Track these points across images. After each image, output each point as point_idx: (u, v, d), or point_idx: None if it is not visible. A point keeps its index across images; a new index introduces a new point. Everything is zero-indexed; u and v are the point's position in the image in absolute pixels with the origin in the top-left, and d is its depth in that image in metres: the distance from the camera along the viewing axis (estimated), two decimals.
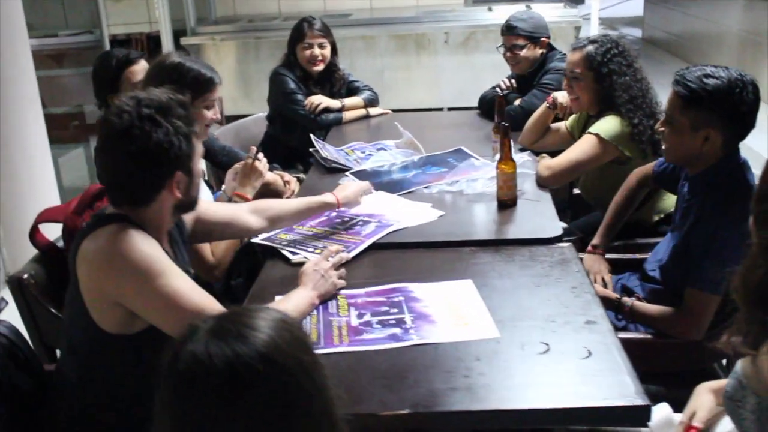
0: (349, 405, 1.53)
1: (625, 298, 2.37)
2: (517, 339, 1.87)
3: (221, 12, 7.79)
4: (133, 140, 1.73)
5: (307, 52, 3.89)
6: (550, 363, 1.77)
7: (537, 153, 3.18)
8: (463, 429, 1.78)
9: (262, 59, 6.86)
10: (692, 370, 2.30)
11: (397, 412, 1.61)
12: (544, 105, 3.27)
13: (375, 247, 2.43)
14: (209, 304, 1.77)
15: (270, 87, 4.01)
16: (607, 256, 2.73)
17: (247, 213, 2.33)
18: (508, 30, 3.70)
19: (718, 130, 2.16)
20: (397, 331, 1.93)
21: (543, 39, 3.68)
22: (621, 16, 11.90)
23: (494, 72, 6.79)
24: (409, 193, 2.89)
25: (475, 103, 4.01)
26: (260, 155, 2.73)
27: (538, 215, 2.64)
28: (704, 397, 1.71)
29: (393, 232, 2.52)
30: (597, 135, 2.84)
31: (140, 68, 3.11)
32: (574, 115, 3.27)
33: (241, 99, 6.78)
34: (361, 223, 2.55)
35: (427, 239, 2.48)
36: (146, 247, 1.74)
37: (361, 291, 2.16)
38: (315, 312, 2.04)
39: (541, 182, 2.88)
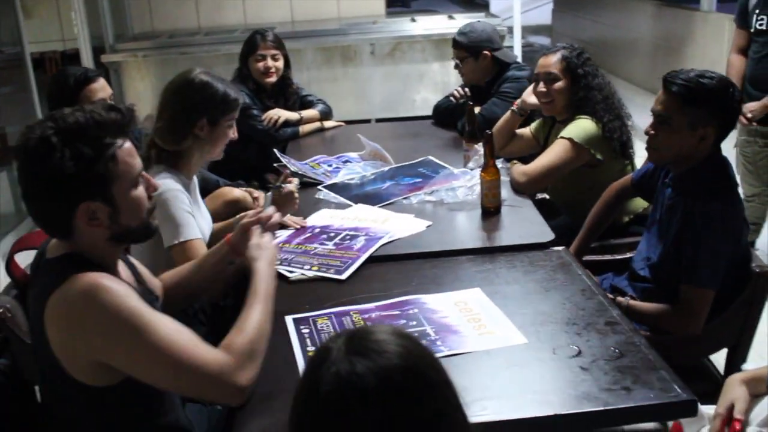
0: None
1: (620, 298, 2.41)
2: (546, 344, 1.88)
3: (138, 28, 7.57)
4: (33, 164, 1.56)
5: (260, 64, 3.83)
6: (586, 365, 1.78)
7: (508, 160, 3.22)
8: None
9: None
10: (686, 365, 2.36)
11: None
12: (510, 111, 3.31)
13: (371, 260, 2.40)
14: (197, 348, 1.60)
15: None
16: (587, 258, 2.79)
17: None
18: (453, 44, 3.76)
19: (713, 127, 2.24)
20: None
21: (485, 51, 3.71)
22: (528, 24, 12.20)
23: (420, 82, 6.93)
24: (389, 204, 2.87)
25: (403, 113, 4.03)
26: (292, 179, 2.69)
27: (525, 221, 2.66)
28: (738, 389, 1.76)
29: (385, 244, 2.49)
30: (570, 139, 2.90)
31: (99, 86, 3.00)
32: (537, 121, 3.33)
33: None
34: (348, 237, 2.51)
35: (421, 249, 2.47)
36: (123, 301, 1.56)
37: (372, 306, 2.13)
38: (332, 330, 2.00)
39: (518, 188, 2.91)
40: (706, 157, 2.31)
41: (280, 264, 2.34)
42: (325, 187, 3.09)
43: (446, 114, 3.91)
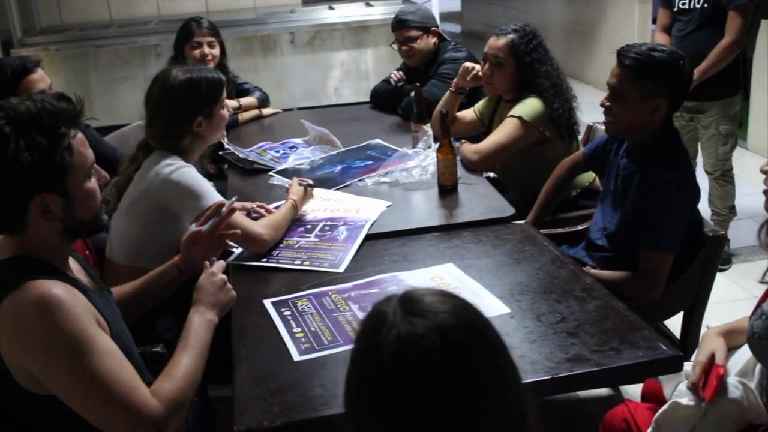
0: None
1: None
2: (529, 312, 1.92)
3: (46, 21, 7.29)
4: None
5: (197, 52, 3.75)
6: (572, 330, 1.83)
7: (457, 139, 3.26)
8: None
9: (102, 69, 6.53)
10: None
11: None
12: (449, 91, 3.34)
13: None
14: (134, 390, 1.53)
15: None
16: (543, 231, 2.85)
17: None
18: (400, 24, 3.76)
19: (665, 99, 2.32)
20: None
21: (433, 28, 3.76)
22: (438, 11, 12.32)
23: (341, 69, 6.93)
24: (344, 187, 2.86)
25: (325, 102, 4.00)
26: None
27: (483, 197, 2.71)
28: (716, 340, 1.83)
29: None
30: (520, 118, 2.95)
31: (39, 77, 2.88)
32: (482, 101, 3.38)
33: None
34: (328, 228, 2.49)
35: (387, 229, 2.48)
36: (74, 322, 1.49)
37: (349, 285, 2.12)
38: (314, 310, 1.99)
39: (470, 166, 2.95)
40: (659, 127, 2.39)
41: (267, 260, 2.30)
42: (277, 173, 3.06)
43: (385, 98, 3.91)
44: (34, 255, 1.58)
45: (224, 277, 1.90)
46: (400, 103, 3.78)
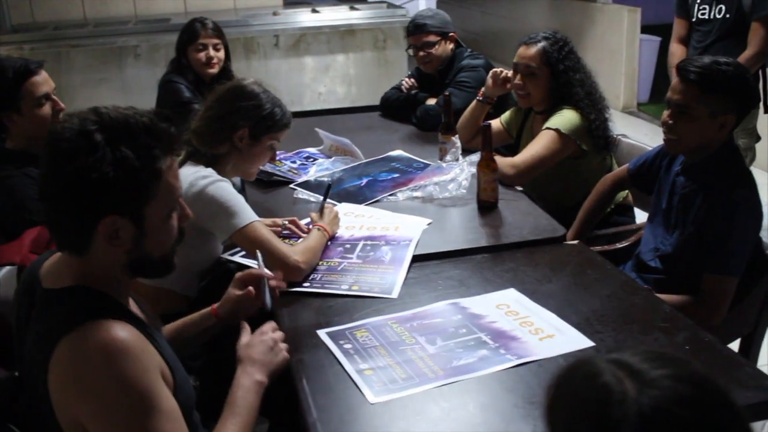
0: None
1: None
2: (613, 343, 1.76)
3: (17, 19, 6.98)
4: (65, 161, 1.32)
5: (201, 54, 3.54)
6: None
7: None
8: None
9: (78, 70, 6.27)
10: None
11: None
12: (476, 101, 3.19)
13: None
14: None
15: (160, 96, 3.60)
16: None
17: None
18: (417, 29, 3.59)
19: (732, 114, 2.19)
20: (485, 353, 1.75)
21: (451, 34, 3.61)
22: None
23: (326, 74, 6.74)
24: (374, 202, 2.69)
25: (309, 106, 3.83)
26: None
27: (528, 215, 2.55)
28: None
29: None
30: (557, 130, 2.81)
31: (42, 79, 2.65)
32: (509, 112, 3.23)
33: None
34: (369, 248, 2.30)
35: (433, 249, 2.31)
36: (141, 375, 1.32)
37: (408, 313, 1.95)
38: (377, 343, 1.81)
39: (506, 181, 2.79)
40: (722, 144, 2.27)
41: (310, 285, 2.11)
42: (298, 185, 2.86)
43: (397, 106, 3.74)
44: (94, 286, 1.40)
45: (276, 335, 1.75)
46: (413, 111, 3.62)
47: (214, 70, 3.59)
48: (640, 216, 3.09)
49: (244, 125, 2.26)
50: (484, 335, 1.82)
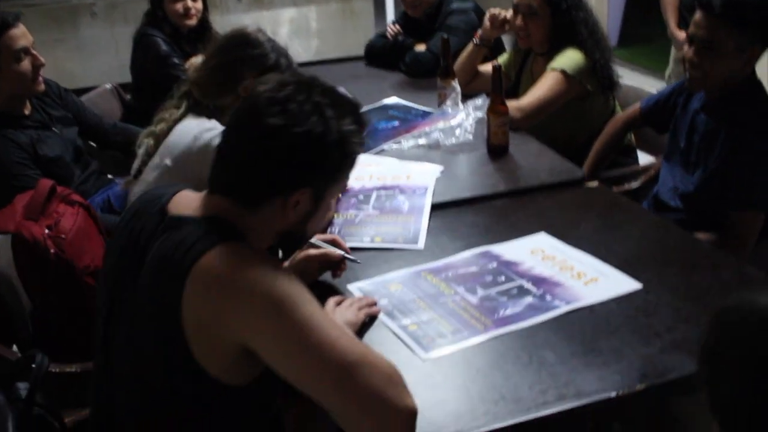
0: (572, 392, 1.35)
1: None
2: (663, 287, 1.69)
3: None
4: (288, 119, 1.29)
5: (179, 5, 3.35)
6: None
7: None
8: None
9: (31, 30, 5.94)
10: None
11: (634, 389, 1.37)
12: (473, 44, 3.07)
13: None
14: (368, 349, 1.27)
15: (135, 51, 3.41)
16: None
17: None
18: None
19: (759, 46, 2.11)
20: (531, 300, 1.66)
21: None
22: None
23: (289, 27, 6.53)
24: (379, 152, 2.57)
25: None
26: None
27: (542, 158, 2.46)
28: None
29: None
30: (563, 71, 2.71)
31: (20, 32, 2.48)
32: (506, 54, 3.12)
33: None
34: (384, 198, 2.19)
35: (450, 197, 2.21)
36: (285, 277, 1.27)
37: (440, 263, 1.85)
38: (414, 296, 1.71)
39: (513, 125, 2.67)
40: (744, 79, 2.19)
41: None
42: None
43: (384, 53, 3.60)
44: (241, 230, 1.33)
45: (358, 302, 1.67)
46: (402, 58, 3.49)
47: (193, 22, 3.40)
48: (642, 158, 3.02)
49: (249, 75, 2.12)
50: (526, 282, 1.74)
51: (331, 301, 1.65)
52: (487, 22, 2.97)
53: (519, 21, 2.81)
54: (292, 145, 1.29)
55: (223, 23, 6.33)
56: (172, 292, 1.24)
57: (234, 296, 1.22)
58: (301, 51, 6.55)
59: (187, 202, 1.39)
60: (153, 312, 1.29)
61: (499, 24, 2.94)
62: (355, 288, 1.75)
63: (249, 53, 2.14)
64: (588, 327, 1.55)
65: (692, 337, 1.50)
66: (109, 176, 2.95)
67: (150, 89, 3.39)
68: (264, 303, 1.21)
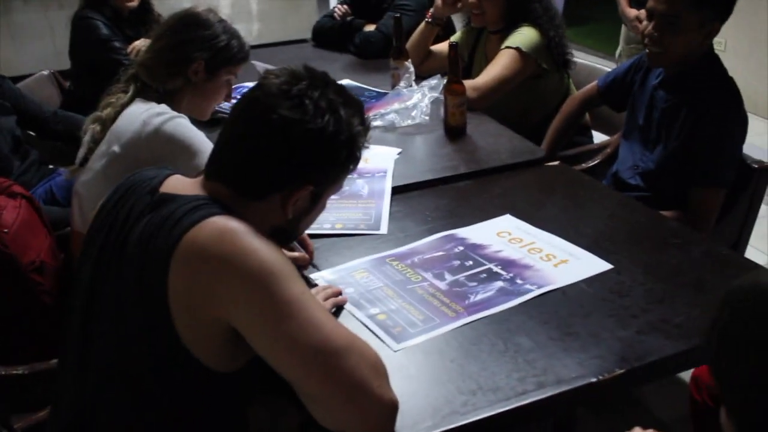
0: (552, 380, 1.32)
1: None
2: (634, 267, 1.65)
3: None
4: (301, 113, 1.25)
5: None
6: (695, 283, 1.58)
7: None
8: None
9: None
10: None
11: (614, 374, 1.33)
12: (425, 23, 3.00)
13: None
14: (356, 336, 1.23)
15: (74, 35, 3.24)
16: None
17: None
18: None
19: (719, 21, 2.09)
20: (501, 284, 1.61)
21: None
22: None
23: (230, 11, 6.38)
24: None
25: None
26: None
27: (501, 137, 2.42)
28: None
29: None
30: (518, 49, 2.66)
31: None
32: (458, 33, 3.07)
33: None
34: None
35: (410, 180, 2.14)
36: (277, 253, 1.23)
37: (405, 249, 1.79)
38: (381, 283, 1.64)
39: (469, 105, 2.62)
40: (703, 53, 2.17)
41: None
42: None
43: (333, 34, 3.51)
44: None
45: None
46: (351, 39, 3.40)
47: (134, 3, 3.26)
48: (597, 138, 3.01)
49: (199, 57, 2.01)
50: (494, 266, 1.69)
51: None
52: (439, 0, 2.91)
53: None
54: (305, 142, 1.25)
55: (162, 7, 6.19)
56: (158, 271, 1.18)
57: (222, 269, 1.17)
58: (243, 35, 6.42)
59: (182, 184, 1.33)
60: (138, 297, 1.22)
61: (452, 1, 2.88)
62: (319, 277, 1.68)
63: (199, 34, 2.04)
64: (562, 310, 1.51)
65: (668, 318, 1.47)
66: (51, 166, 2.81)
67: (90, 75, 3.25)
68: (254, 276, 1.16)
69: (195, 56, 2.02)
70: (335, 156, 1.30)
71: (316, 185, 1.31)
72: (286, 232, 1.39)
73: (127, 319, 1.24)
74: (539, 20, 2.71)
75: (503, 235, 1.82)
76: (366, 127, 1.36)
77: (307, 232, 1.82)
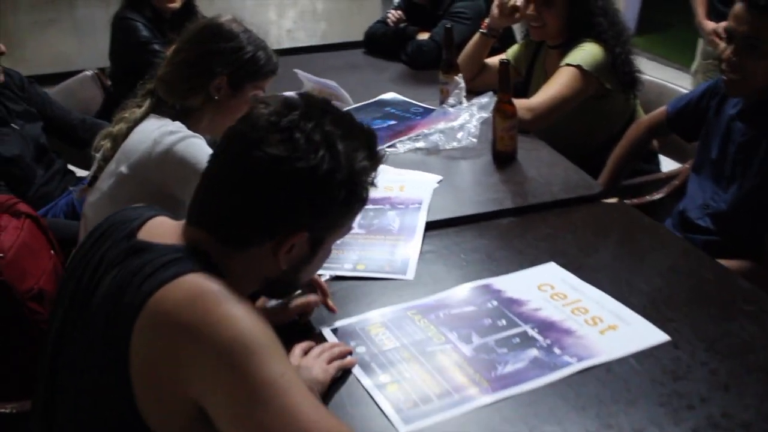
0: None
1: None
2: (695, 339, 1.41)
3: None
4: (287, 149, 1.09)
5: None
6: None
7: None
8: None
9: (24, 9, 5.74)
10: None
11: None
12: (479, 34, 2.78)
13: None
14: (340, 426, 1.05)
15: (114, 36, 3.14)
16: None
17: None
18: None
19: None
20: (536, 353, 1.39)
21: None
22: None
23: (295, 10, 6.24)
24: None
25: (275, 45, 3.31)
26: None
27: (555, 167, 2.18)
28: None
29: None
30: (578, 66, 2.41)
31: None
32: (516, 46, 2.83)
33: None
34: (371, 213, 1.92)
35: (448, 214, 1.93)
36: (258, 324, 1.05)
37: (431, 300, 1.57)
38: (398, 343, 1.43)
39: (522, 126, 2.38)
40: None
41: None
42: None
43: (385, 41, 3.31)
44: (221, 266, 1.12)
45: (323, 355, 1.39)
46: (403, 47, 3.20)
47: (176, 4, 3.13)
48: (665, 164, 2.73)
49: (221, 72, 1.84)
50: (530, 328, 1.46)
51: (297, 349, 1.39)
52: (495, 9, 2.68)
53: (531, 9, 2.51)
54: (293, 182, 1.09)
55: (226, 6, 6.10)
56: (120, 335, 1.03)
57: (190, 339, 1.00)
58: (306, 35, 6.28)
59: (162, 229, 1.17)
60: (99, 360, 1.07)
61: (509, 12, 2.64)
62: (328, 330, 1.48)
63: (221, 46, 1.87)
64: (604, 393, 1.28)
65: (733, 411, 1.22)
66: (79, 174, 2.69)
67: (129, 78, 3.10)
68: (226, 350, 0.99)
69: (217, 71, 1.85)
70: (332, 198, 1.13)
71: (311, 231, 1.16)
72: (283, 284, 1.23)
73: (86, 381, 1.09)
74: (604, 35, 2.46)
75: (545, 288, 1.59)
76: (375, 161, 1.19)
77: (326, 273, 1.65)
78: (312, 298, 1.50)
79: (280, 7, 6.22)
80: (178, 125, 1.82)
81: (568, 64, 2.44)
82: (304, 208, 1.12)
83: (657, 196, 2.37)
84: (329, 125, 1.11)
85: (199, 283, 1.04)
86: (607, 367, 1.34)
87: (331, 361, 1.36)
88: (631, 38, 2.55)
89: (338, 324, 1.50)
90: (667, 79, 2.87)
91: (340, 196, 1.13)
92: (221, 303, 1.02)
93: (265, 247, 1.13)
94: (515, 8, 2.62)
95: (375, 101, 2.72)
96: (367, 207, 1.87)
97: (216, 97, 1.88)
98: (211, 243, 1.13)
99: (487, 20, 2.76)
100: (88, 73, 3.33)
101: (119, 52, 3.14)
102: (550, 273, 1.65)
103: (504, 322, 1.48)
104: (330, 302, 1.51)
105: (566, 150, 2.50)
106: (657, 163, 2.70)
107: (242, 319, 1.02)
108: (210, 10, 5.80)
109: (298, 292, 1.47)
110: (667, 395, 1.26)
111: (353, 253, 1.76)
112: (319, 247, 1.20)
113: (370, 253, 1.76)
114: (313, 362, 1.34)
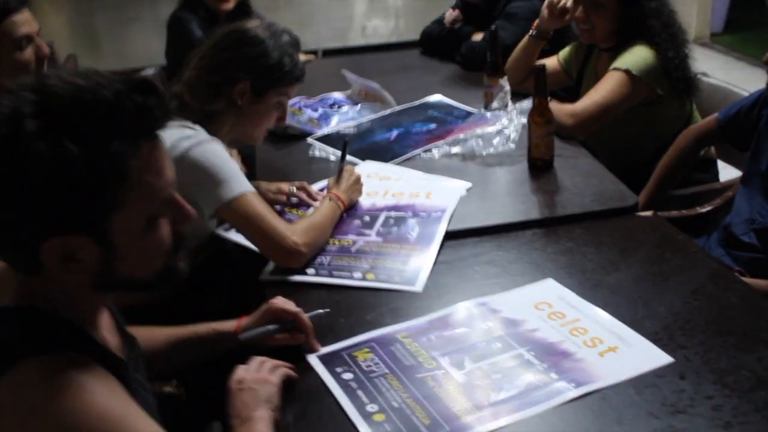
0: None
1: None
2: (703, 371, 1.31)
3: None
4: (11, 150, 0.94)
5: None
6: None
7: None
8: None
9: (108, 8, 5.89)
10: None
11: None
12: (529, 36, 2.69)
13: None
14: None
15: (169, 35, 3.19)
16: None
17: None
18: None
19: None
20: (531, 379, 1.32)
21: None
22: None
23: (369, 6, 6.22)
24: (405, 160, 2.25)
25: (353, 43, 3.34)
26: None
27: (591, 177, 2.08)
28: None
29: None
30: (627, 71, 2.30)
31: (23, 19, 2.24)
32: (568, 48, 2.72)
33: (87, 56, 5.73)
34: (392, 221, 1.88)
35: (470, 224, 1.87)
36: (105, 402, 0.97)
37: (423, 322, 1.51)
38: (386, 370, 1.37)
39: (564, 133, 2.30)
40: None
41: (315, 273, 1.70)
42: (317, 139, 2.43)
43: (439, 42, 3.25)
44: (47, 307, 1.03)
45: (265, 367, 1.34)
46: (458, 48, 3.13)
47: (230, 5, 3.15)
48: (724, 173, 2.58)
49: (244, 77, 1.84)
50: (526, 351, 1.39)
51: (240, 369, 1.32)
52: (544, 11, 2.58)
53: (580, 12, 2.41)
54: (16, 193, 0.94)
55: (298, 2, 6.12)
56: None
57: None
58: (381, 31, 6.26)
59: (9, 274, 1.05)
60: None
61: (559, 13, 2.55)
62: (316, 359, 1.42)
63: (245, 52, 1.87)
64: (603, 421, 1.21)
65: None
66: None
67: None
68: None
69: (239, 76, 1.85)
70: (48, 196, 0.94)
71: (70, 232, 0.97)
72: (121, 285, 1.07)
73: None
74: (656, 38, 2.33)
75: (542, 307, 1.52)
76: (92, 133, 0.95)
77: (334, 281, 1.62)
78: (299, 339, 1.45)
79: (356, 3, 6.21)
80: (196, 130, 1.82)
81: (616, 68, 2.33)
82: (18, 216, 0.96)
83: (708, 207, 2.24)
84: (37, 120, 0.93)
85: (34, 377, 0.94)
86: (603, 395, 1.27)
87: (273, 370, 1.32)
88: (687, 41, 2.42)
89: (327, 350, 1.44)
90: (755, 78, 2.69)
91: (55, 187, 0.94)
92: (64, 399, 0.94)
93: (47, 264, 0.98)
94: (565, 10, 2.52)
95: (419, 104, 2.67)
96: (389, 214, 1.87)
97: (239, 103, 1.87)
98: (22, 282, 1.03)
99: (536, 22, 2.67)
100: (150, 70, 3.39)
101: (173, 51, 3.19)
102: (548, 291, 1.57)
103: (499, 345, 1.42)
104: (313, 341, 1.45)
105: (613, 158, 2.40)
106: (714, 173, 2.55)
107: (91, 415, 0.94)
108: (287, 9, 5.83)
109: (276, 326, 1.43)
110: (661, 431, 1.18)
111: (365, 262, 1.72)
112: (112, 240, 1.00)
113: (382, 262, 1.72)
114: (261, 376, 1.30)
